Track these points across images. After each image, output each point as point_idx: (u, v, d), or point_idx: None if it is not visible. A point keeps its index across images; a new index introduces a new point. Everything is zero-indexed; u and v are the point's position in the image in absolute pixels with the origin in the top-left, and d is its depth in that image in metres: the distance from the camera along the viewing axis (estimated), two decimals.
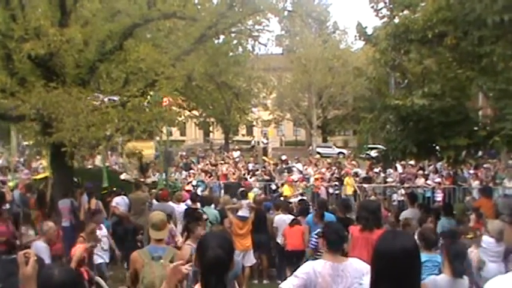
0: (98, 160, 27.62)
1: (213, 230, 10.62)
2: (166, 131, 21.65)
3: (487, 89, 14.62)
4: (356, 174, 25.78)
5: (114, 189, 16.12)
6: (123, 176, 21.09)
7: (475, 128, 14.26)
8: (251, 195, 16.57)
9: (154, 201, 14.50)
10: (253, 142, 59.08)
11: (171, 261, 6.44)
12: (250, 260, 12.54)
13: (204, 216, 10.39)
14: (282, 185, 23.91)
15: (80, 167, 22.77)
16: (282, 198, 18.87)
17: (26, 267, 3.23)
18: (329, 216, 11.41)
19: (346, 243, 5.97)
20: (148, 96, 18.24)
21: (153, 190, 17.29)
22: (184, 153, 38.66)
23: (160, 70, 13.41)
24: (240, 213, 12.67)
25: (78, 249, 9.31)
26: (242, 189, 19.69)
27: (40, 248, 9.07)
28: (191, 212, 13.21)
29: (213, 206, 13.58)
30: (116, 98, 14.17)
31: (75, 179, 16.82)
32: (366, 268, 5.10)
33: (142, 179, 21.05)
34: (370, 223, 8.07)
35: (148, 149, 22.56)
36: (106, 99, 13.83)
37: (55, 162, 15.07)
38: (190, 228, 9.00)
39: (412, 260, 3.46)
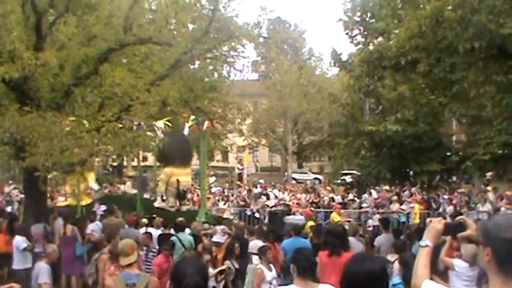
0: (127, 187, 27.19)
1: (186, 255, 10.57)
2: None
3: (459, 115, 14.85)
4: (332, 200, 25.80)
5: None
6: (157, 204, 20.64)
7: (448, 154, 14.44)
8: (310, 224, 16.11)
9: (127, 227, 14.33)
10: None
11: None
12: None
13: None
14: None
15: (112, 194, 22.35)
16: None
17: None
18: (287, 242, 11.43)
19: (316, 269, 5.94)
20: (190, 119, 18.32)
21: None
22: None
23: (135, 95, 13.36)
24: (214, 238, 12.55)
25: None
26: (218, 215, 19.52)
27: (42, 268, 9.50)
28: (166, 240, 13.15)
29: (187, 231, 13.44)
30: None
31: (106, 207, 16.63)
32: None
33: (177, 207, 20.69)
34: (337, 248, 8.12)
35: (185, 176, 22.02)
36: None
37: (28, 186, 14.90)
38: None
39: (379, 283, 3.48)
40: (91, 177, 20.83)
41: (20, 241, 12.51)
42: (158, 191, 22.33)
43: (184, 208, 21.12)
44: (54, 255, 10.00)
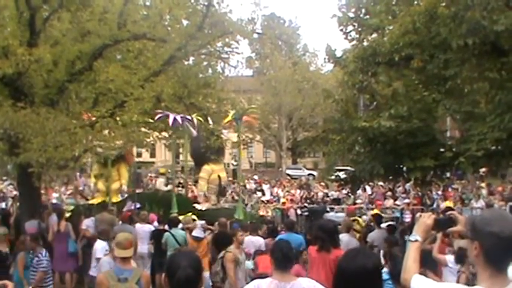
0: (158, 183, 26.89)
1: (181, 250, 10.56)
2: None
3: (453, 111, 14.88)
4: (326, 195, 25.87)
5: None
6: (199, 206, 20.24)
7: (442, 150, 14.48)
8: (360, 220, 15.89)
9: (120, 223, 14.32)
10: None
11: (137, 283, 6.40)
12: (206, 281, 12.26)
13: None
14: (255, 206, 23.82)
15: (145, 192, 22.11)
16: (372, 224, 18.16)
17: None
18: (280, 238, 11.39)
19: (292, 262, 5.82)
20: (230, 114, 18.47)
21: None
22: (153, 175, 38.47)
23: (129, 91, 13.33)
24: (194, 233, 12.50)
25: None
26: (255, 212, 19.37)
27: (105, 263, 9.05)
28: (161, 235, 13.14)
29: (180, 226, 13.46)
30: None
31: (139, 204, 16.46)
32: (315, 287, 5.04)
33: (214, 205, 20.39)
34: (326, 243, 8.09)
35: (222, 172, 21.74)
36: None
37: (22, 183, 14.88)
38: None
39: (372, 279, 3.51)
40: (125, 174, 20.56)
41: (99, 248, 11.29)
42: (199, 189, 22.04)
43: (218, 206, 20.92)
44: None
